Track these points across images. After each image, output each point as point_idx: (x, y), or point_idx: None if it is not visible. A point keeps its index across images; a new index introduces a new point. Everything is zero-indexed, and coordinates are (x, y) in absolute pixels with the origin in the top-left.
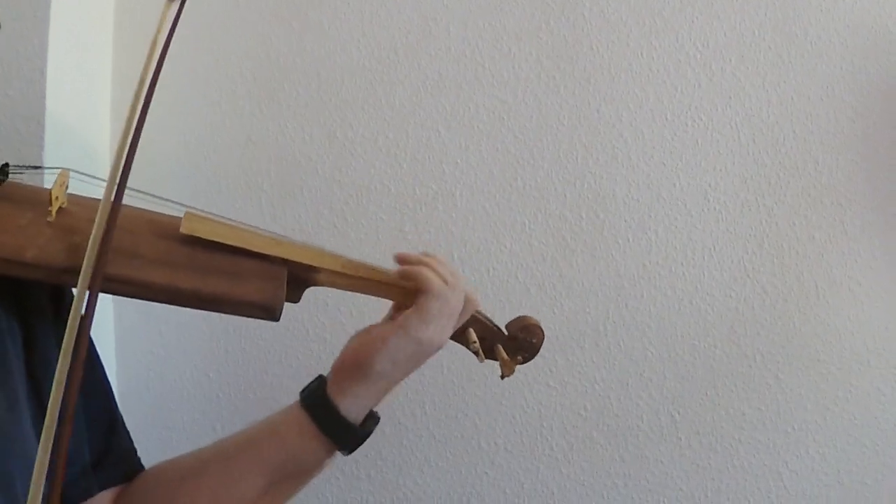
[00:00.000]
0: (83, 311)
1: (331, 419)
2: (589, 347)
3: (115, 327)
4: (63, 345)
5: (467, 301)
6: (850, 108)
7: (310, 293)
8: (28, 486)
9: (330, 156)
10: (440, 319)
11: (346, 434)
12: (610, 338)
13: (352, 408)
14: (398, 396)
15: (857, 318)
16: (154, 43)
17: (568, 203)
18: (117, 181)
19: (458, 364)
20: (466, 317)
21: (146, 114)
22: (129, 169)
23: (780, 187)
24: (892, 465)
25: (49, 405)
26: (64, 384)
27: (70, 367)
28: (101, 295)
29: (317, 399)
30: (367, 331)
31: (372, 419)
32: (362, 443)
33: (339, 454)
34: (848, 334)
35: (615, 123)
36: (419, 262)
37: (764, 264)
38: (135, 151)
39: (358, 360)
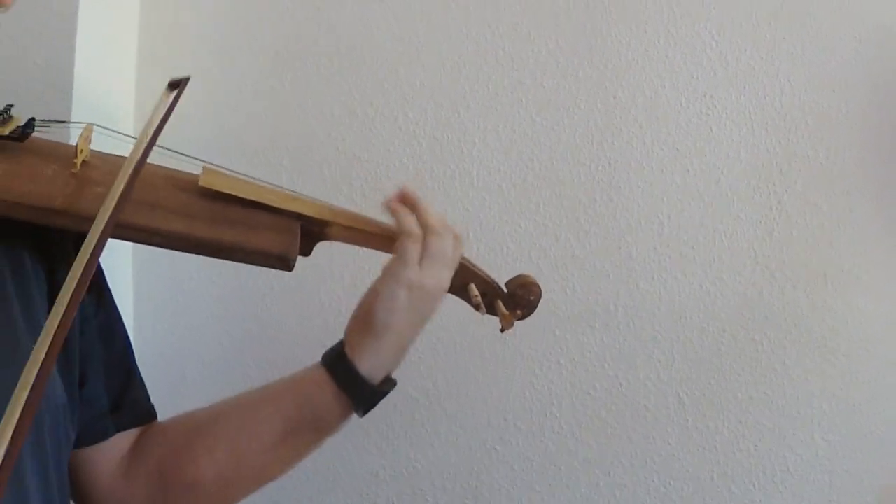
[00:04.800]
0: (91, 252)
1: (347, 373)
2: (599, 328)
3: (133, 302)
4: (66, 281)
5: (455, 242)
6: (862, 98)
7: (326, 266)
8: (56, 428)
9: (350, 133)
10: (424, 261)
11: (361, 389)
12: (620, 319)
13: (367, 365)
14: (411, 370)
15: (864, 307)
16: (149, 124)
17: (582, 185)
18: (149, 138)
19: (469, 341)
20: (457, 259)
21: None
22: (160, 131)
23: (791, 175)
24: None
25: (42, 333)
26: (58, 321)
27: (69, 300)
28: (118, 263)
29: (335, 355)
30: (367, 291)
31: (389, 382)
32: (376, 402)
33: (354, 417)
34: (855, 322)
35: (630, 108)
36: (401, 208)
37: (773, 250)
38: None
39: (361, 316)
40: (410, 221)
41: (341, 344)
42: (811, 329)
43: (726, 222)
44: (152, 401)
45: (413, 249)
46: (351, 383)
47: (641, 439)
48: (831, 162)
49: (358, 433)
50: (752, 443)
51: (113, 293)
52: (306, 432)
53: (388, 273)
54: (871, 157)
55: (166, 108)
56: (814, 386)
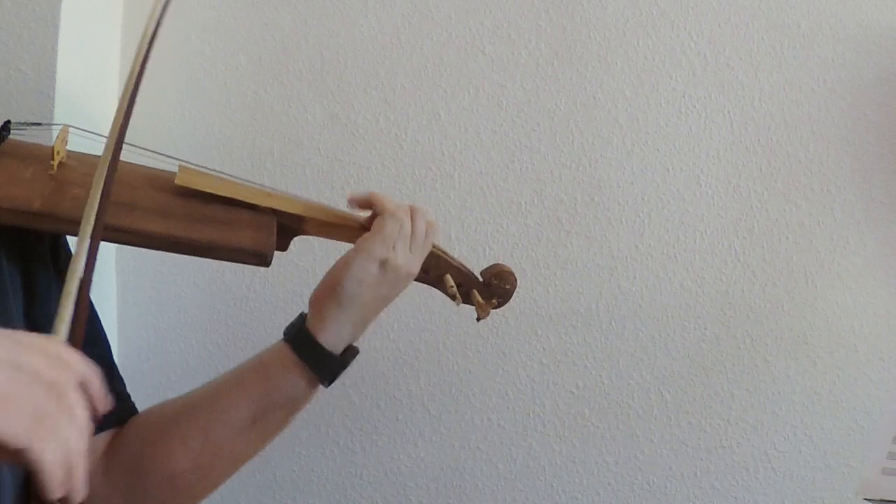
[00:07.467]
0: (84, 261)
1: (308, 346)
2: (581, 327)
3: (117, 305)
4: (62, 292)
5: (428, 227)
6: (840, 98)
7: (309, 267)
8: None
9: (332, 136)
10: (398, 241)
11: (322, 361)
12: (602, 317)
13: (329, 336)
14: (394, 371)
15: (844, 303)
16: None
17: (563, 186)
18: (115, 137)
19: (452, 341)
20: (429, 244)
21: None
22: (127, 124)
23: (770, 174)
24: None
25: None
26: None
27: (74, 314)
28: (102, 267)
29: (296, 330)
30: (336, 261)
31: (351, 352)
32: (339, 372)
33: (333, 418)
34: (836, 319)
35: (611, 109)
36: (379, 194)
37: (754, 249)
38: (132, 109)
39: (328, 286)
40: (387, 201)
41: (301, 318)
42: (792, 326)
43: (707, 221)
44: (136, 402)
45: (394, 228)
46: (312, 354)
47: (625, 437)
48: (810, 160)
49: (342, 434)
50: (735, 439)
51: (97, 295)
52: (275, 410)
53: (363, 247)
54: (850, 155)
55: (159, 11)
56: (795, 382)
